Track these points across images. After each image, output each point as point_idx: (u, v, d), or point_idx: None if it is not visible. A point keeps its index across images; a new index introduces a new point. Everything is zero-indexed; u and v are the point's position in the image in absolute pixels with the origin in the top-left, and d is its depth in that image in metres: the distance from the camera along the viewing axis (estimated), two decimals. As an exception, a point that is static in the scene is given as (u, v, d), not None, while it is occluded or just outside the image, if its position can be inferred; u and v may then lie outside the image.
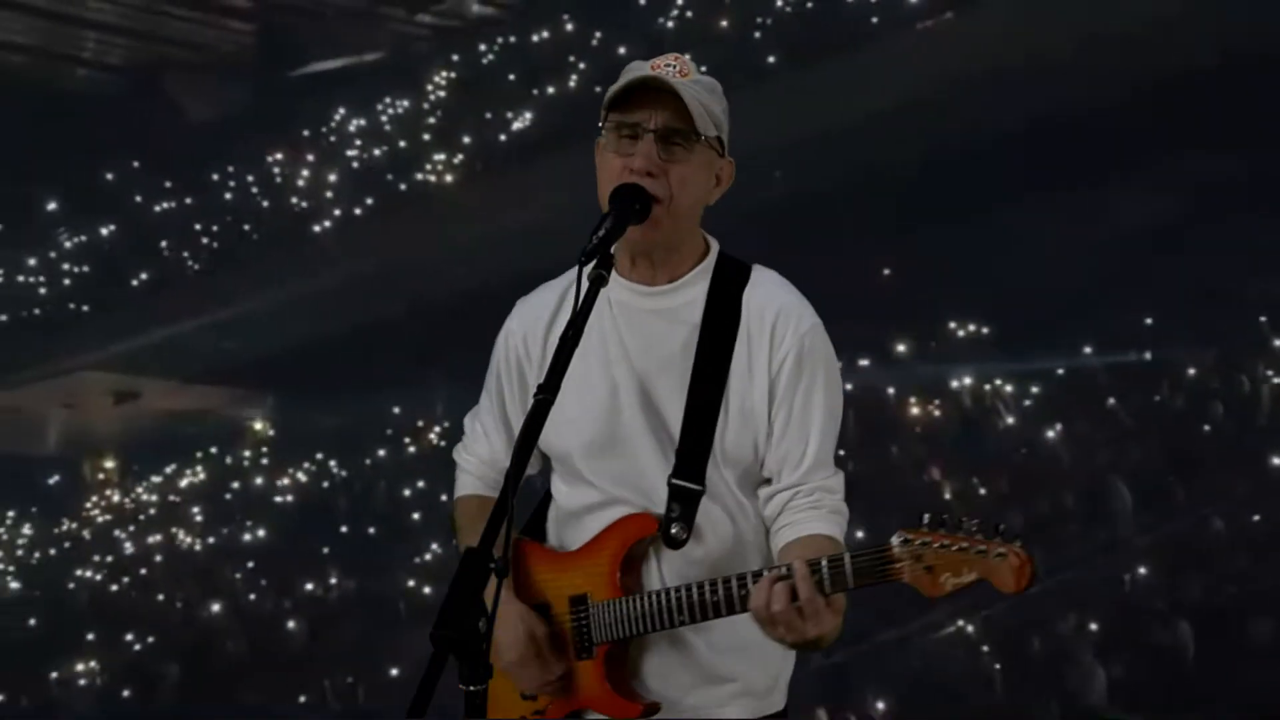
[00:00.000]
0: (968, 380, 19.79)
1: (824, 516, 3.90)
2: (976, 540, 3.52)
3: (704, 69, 4.08)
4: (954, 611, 14.94)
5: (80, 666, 18.46)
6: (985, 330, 20.58)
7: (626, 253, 3.80)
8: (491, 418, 4.13)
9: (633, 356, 3.87)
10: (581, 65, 25.87)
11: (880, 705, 14.56)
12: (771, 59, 23.68)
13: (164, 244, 27.69)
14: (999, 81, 19.95)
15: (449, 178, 26.86)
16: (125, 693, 18.03)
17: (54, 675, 18.41)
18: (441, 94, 27.75)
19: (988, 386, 19.66)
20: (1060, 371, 19.53)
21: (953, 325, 20.66)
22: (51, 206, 27.95)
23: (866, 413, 19.57)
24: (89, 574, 22.39)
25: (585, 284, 3.51)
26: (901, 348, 20.70)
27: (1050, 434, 18.41)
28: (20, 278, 27.65)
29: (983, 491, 17.59)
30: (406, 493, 21.85)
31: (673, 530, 3.82)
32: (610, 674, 3.87)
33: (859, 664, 14.92)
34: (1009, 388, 19.50)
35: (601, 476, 3.89)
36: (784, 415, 3.88)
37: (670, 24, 25.10)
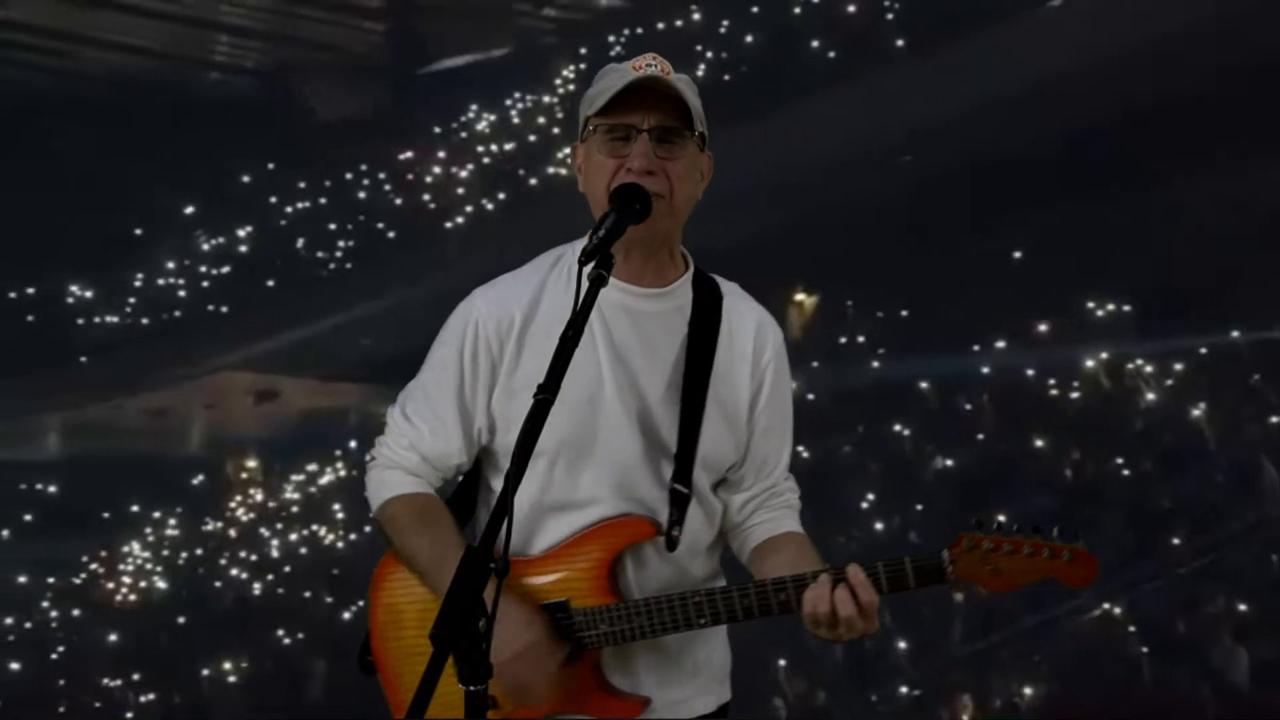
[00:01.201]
0: (1107, 359, 19.55)
1: (793, 515, 4.11)
2: (1042, 544, 3.66)
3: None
4: (1100, 595, 14.81)
5: (229, 664, 18.66)
6: (1125, 309, 20.30)
7: (619, 249, 3.71)
8: (446, 407, 3.98)
9: (622, 356, 3.88)
10: (709, 54, 25.82)
11: (1027, 691, 14.46)
12: (900, 42, 23.53)
13: (299, 244, 27.96)
14: (1134, 59, 19.72)
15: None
16: (275, 690, 18.20)
17: (205, 673, 18.63)
18: (570, 87, 27.79)
19: (1129, 366, 19.38)
20: (1202, 350, 19.24)
21: (1091, 305, 20.40)
22: (189, 210, 28.26)
23: (1005, 394, 19.41)
24: (235, 572, 22.62)
25: (585, 284, 3.49)
26: (1041, 328, 20.45)
27: (1194, 412, 18.15)
28: (160, 281, 28.01)
29: (1126, 473, 17.40)
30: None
31: (674, 534, 3.85)
32: (599, 678, 3.87)
33: (1004, 649, 14.83)
34: (1150, 367, 19.23)
35: (576, 475, 3.84)
36: (765, 421, 4.02)
37: (797, 10, 24.98)
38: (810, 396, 20.19)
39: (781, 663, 14.46)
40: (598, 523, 3.83)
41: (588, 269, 3.50)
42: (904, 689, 14.90)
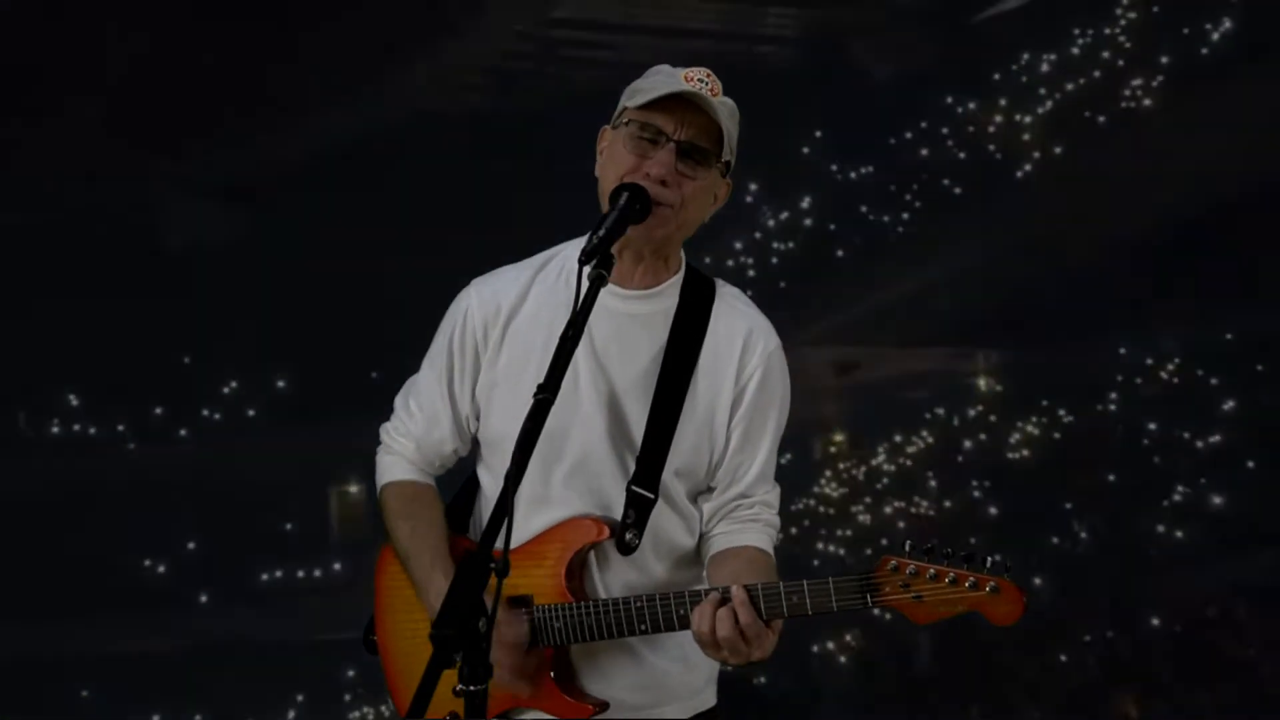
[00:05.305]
0: None
1: (760, 530, 4.13)
2: (965, 574, 3.66)
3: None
4: None
5: (833, 643, 18.76)
6: None
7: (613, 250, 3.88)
8: (436, 395, 4.14)
9: (600, 355, 4.01)
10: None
11: None
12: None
13: (864, 209, 27.89)
14: None
15: (1148, 101, 25.98)
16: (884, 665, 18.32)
17: (814, 650, 18.74)
18: (1132, 15, 26.92)
19: None
20: None
21: None
22: (753, 188, 28.50)
23: None
24: (830, 548, 22.73)
25: (585, 283, 3.62)
26: None
27: None
28: (730, 261, 28.34)
29: None
30: (1144, 440, 21.30)
31: (626, 537, 3.96)
32: (557, 675, 4.01)
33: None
34: None
35: (548, 471, 3.98)
36: (741, 430, 4.09)
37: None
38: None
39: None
40: (563, 521, 3.97)
41: (588, 269, 3.63)
42: None
